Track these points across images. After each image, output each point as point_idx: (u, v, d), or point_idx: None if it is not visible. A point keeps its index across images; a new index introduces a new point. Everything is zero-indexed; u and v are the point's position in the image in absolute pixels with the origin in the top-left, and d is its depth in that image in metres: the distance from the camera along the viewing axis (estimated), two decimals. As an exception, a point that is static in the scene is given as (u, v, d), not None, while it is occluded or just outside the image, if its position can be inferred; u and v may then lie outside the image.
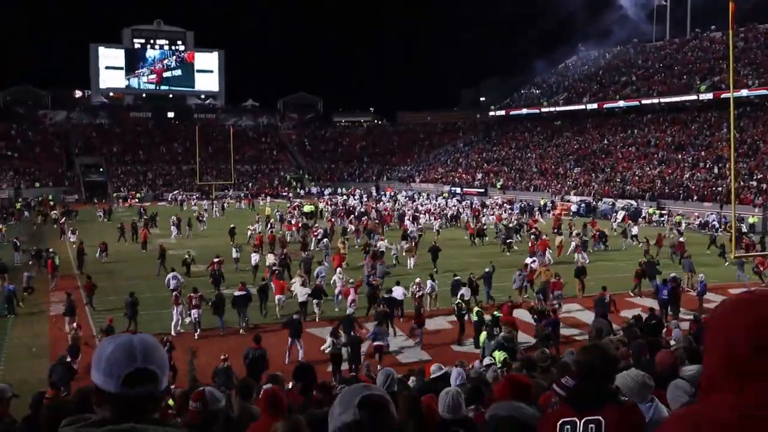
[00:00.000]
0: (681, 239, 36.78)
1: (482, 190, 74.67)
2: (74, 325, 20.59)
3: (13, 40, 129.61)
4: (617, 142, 74.03)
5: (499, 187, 73.91)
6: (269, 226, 44.88)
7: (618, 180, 64.63)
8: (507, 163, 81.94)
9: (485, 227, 45.47)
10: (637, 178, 63.51)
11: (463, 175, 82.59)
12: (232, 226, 42.22)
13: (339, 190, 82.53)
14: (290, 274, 28.58)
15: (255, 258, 31.69)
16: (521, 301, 25.02)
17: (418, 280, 24.94)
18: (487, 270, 26.67)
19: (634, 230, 43.00)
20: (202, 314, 22.29)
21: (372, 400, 2.05)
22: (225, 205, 66.19)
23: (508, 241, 38.91)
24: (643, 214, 53.59)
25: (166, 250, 33.65)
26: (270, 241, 37.84)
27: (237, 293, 22.97)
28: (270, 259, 30.72)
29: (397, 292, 23.63)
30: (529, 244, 35.79)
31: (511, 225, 44.61)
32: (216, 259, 29.04)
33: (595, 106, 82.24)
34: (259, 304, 24.29)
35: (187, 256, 30.66)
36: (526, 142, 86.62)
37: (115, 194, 77.01)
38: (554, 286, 24.91)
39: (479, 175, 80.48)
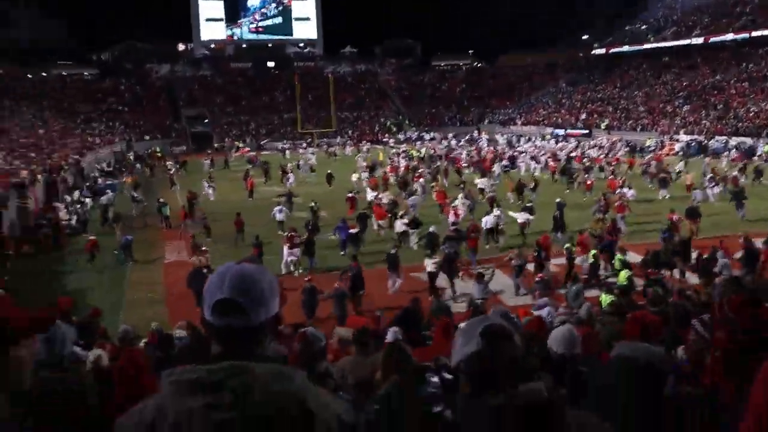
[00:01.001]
0: (735, 173, 37.14)
1: (586, 131, 72.54)
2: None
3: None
4: (730, 77, 70.27)
5: (603, 127, 71.64)
6: (373, 169, 46.54)
7: (731, 117, 61.50)
8: (612, 102, 79.21)
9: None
10: (751, 114, 60.23)
11: (566, 116, 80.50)
12: (329, 171, 44.60)
13: (431, 135, 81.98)
14: (396, 212, 29.59)
15: (371, 195, 33.92)
16: (599, 228, 24.92)
17: (496, 212, 26.59)
18: (558, 200, 28.20)
19: (679, 166, 41.77)
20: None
21: (494, 330, 2.08)
22: (336, 150, 67.66)
23: (570, 181, 40.34)
24: (759, 152, 50.84)
25: (293, 193, 35.63)
26: (384, 181, 40.01)
27: (351, 231, 25.30)
28: (386, 197, 32.29)
29: (487, 221, 25.92)
30: (588, 182, 37.20)
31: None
32: (350, 194, 33.11)
33: (703, 40, 78.23)
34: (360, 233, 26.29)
35: (313, 204, 30.95)
36: (632, 80, 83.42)
37: (218, 144, 78.74)
38: (618, 210, 27.42)
39: (583, 116, 78.21)
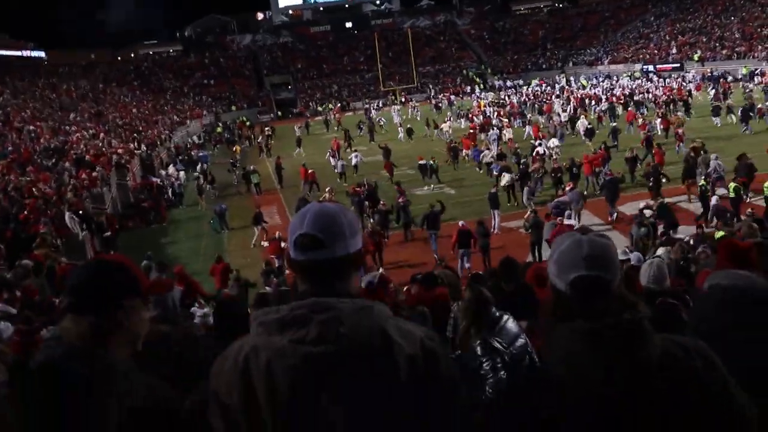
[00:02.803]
0: None
1: (678, 65, 69.55)
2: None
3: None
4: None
5: (696, 59, 68.46)
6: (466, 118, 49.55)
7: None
8: (704, 32, 75.51)
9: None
10: None
11: (656, 51, 77.35)
12: (408, 126, 46.93)
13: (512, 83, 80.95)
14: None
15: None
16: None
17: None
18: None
19: None
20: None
21: (585, 282, 1.98)
22: (439, 104, 66.36)
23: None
24: None
25: (390, 149, 35.67)
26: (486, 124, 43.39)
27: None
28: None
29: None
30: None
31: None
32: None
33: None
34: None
35: (431, 162, 30.96)
36: (726, 5, 79.16)
37: (298, 110, 79.75)
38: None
39: (673, 50, 74.94)
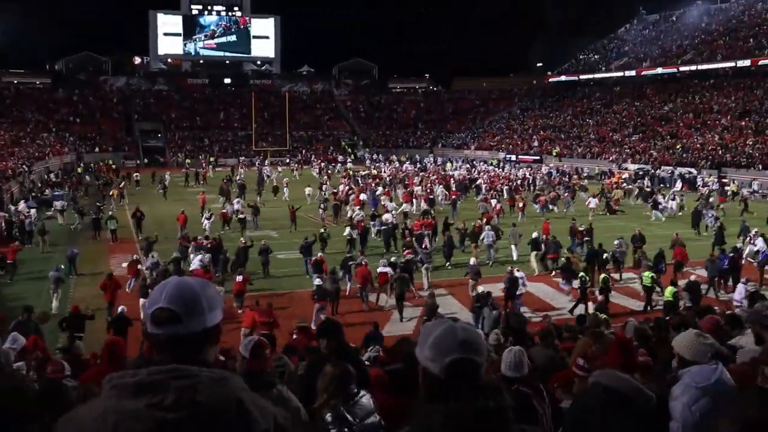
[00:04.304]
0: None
1: (537, 158, 73.57)
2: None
3: (73, 7, 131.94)
4: (678, 109, 72.06)
5: (554, 154, 72.74)
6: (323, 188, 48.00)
7: (678, 147, 62.98)
8: (564, 130, 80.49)
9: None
10: (698, 145, 61.79)
11: (518, 142, 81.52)
12: (274, 185, 48.26)
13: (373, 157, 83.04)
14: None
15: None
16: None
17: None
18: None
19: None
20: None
21: (461, 367, 2.05)
22: (320, 169, 66.01)
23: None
24: (699, 183, 52.30)
25: (259, 207, 36.44)
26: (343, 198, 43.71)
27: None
28: (357, 213, 34.55)
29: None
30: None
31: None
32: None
33: (655, 71, 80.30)
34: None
35: (323, 231, 29.57)
36: (584, 108, 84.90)
37: (170, 159, 78.20)
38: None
39: (535, 143, 79.27)
